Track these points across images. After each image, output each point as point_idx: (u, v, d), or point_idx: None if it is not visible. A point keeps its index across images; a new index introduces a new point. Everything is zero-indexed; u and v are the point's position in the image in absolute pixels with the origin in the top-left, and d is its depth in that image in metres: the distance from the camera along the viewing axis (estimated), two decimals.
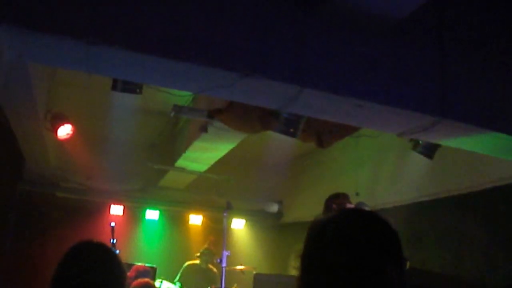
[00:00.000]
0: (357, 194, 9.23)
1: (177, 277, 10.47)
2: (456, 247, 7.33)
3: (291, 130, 6.60)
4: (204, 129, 7.92)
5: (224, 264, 7.83)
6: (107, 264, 2.82)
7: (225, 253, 7.85)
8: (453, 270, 7.24)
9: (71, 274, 2.71)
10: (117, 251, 4.07)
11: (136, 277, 8.02)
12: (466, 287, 6.14)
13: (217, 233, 10.13)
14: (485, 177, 6.91)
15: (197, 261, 10.78)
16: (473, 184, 7.14)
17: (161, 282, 9.86)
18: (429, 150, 7.20)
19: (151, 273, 9.29)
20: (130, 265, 8.51)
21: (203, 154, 9.36)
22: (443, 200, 7.71)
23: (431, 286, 6.08)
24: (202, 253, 10.69)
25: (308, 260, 2.11)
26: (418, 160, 7.57)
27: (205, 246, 10.73)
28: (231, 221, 12.66)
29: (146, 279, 7.78)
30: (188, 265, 10.84)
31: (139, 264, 9.23)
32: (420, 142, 7.16)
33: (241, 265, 10.67)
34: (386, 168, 9.06)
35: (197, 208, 12.77)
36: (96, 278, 2.71)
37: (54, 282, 2.72)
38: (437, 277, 6.85)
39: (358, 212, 2.28)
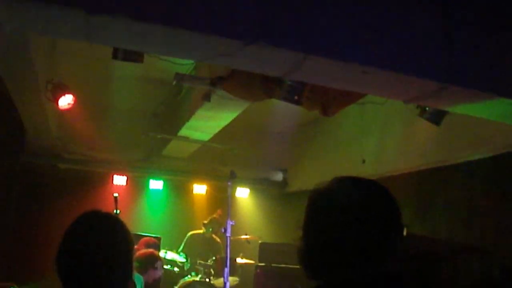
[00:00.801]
0: (363, 161, 9.20)
1: (181, 247, 10.48)
2: (465, 214, 7.28)
3: (295, 97, 6.51)
4: (207, 97, 7.83)
5: (228, 234, 7.80)
6: (115, 234, 2.79)
7: (230, 223, 7.82)
8: (463, 238, 7.22)
9: (78, 244, 2.68)
10: None
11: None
12: (477, 254, 6.11)
13: (222, 202, 10.11)
14: (493, 143, 6.83)
15: (201, 231, 10.78)
16: (481, 150, 7.07)
17: (166, 252, 9.89)
18: (436, 117, 7.10)
19: (158, 244, 9.32)
20: (137, 236, 8.46)
21: (206, 123, 9.31)
22: (451, 167, 7.63)
23: (440, 253, 6.06)
24: (210, 221, 10.66)
25: (310, 227, 2.12)
26: (425, 126, 7.45)
27: (214, 216, 10.70)
28: (235, 190, 12.62)
29: (151, 250, 7.77)
30: (192, 235, 10.84)
31: (146, 235, 9.21)
32: (427, 108, 7.08)
33: (246, 234, 10.71)
34: (393, 135, 8.96)
35: (201, 178, 12.75)
36: (104, 248, 2.68)
37: (61, 252, 2.69)
38: (446, 244, 6.82)
39: (359, 180, 2.24)
